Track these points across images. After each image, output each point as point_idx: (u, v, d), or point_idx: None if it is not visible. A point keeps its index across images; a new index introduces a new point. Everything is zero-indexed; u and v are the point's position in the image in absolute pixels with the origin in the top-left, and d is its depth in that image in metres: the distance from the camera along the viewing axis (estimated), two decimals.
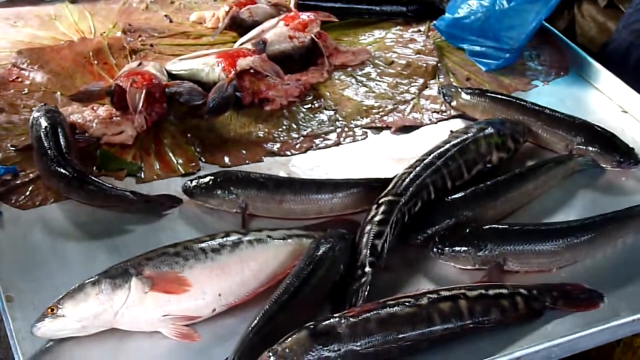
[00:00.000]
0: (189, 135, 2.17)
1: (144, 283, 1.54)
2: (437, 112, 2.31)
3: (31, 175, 1.98)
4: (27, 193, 1.93)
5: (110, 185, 1.91)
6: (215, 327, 1.60)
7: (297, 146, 2.17)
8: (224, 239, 1.66)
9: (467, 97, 2.29)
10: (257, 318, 1.51)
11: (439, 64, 2.53)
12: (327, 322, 1.46)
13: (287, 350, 1.41)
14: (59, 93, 2.30)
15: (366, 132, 2.23)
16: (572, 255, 1.77)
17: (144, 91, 2.10)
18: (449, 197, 1.87)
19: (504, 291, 1.61)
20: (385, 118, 2.28)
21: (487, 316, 1.57)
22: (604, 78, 2.44)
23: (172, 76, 2.33)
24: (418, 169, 1.88)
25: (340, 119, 2.28)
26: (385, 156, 2.13)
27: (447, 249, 1.73)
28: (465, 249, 1.72)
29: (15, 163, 2.01)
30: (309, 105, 2.33)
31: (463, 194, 1.87)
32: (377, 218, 1.74)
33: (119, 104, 2.15)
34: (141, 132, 2.14)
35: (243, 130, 2.22)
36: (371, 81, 2.45)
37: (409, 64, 2.52)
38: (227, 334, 1.57)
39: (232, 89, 2.23)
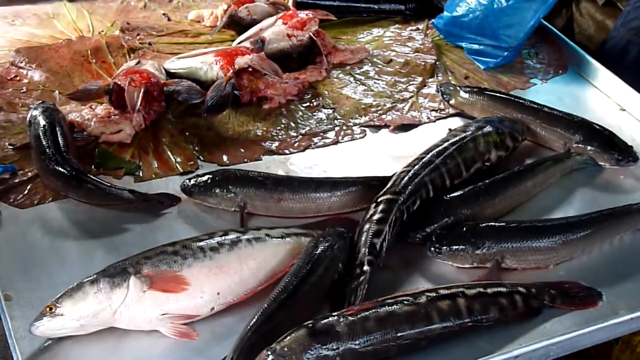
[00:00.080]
0: (187, 133, 2.16)
1: (143, 282, 1.54)
2: (436, 111, 2.31)
3: (29, 174, 1.98)
4: (26, 192, 1.93)
5: (108, 184, 1.90)
6: (214, 325, 1.60)
7: (296, 144, 2.16)
8: (223, 237, 1.66)
9: (466, 96, 2.29)
10: (256, 317, 1.51)
11: (437, 62, 2.53)
12: (325, 320, 1.46)
13: (285, 349, 1.41)
14: (57, 92, 2.30)
15: (365, 131, 2.23)
16: (568, 251, 1.77)
17: (142, 90, 2.09)
18: (448, 196, 1.86)
19: (503, 289, 1.61)
20: (383, 116, 2.28)
21: (485, 314, 1.57)
22: (602, 76, 2.44)
23: (170, 75, 2.33)
24: (417, 167, 1.88)
25: (338, 117, 2.28)
26: (384, 154, 2.13)
27: (444, 248, 1.73)
28: (463, 247, 1.72)
29: (13, 162, 2.01)
30: (308, 104, 2.33)
31: (462, 192, 1.87)
32: (375, 217, 1.74)
33: (117, 103, 2.15)
34: (139, 131, 2.14)
35: (241, 128, 2.21)
36: (369, 79, 2.45)
37: (407, 63, 2.52)
38: (226, 332, 1.57)
39: (231, 88, 2.22)
